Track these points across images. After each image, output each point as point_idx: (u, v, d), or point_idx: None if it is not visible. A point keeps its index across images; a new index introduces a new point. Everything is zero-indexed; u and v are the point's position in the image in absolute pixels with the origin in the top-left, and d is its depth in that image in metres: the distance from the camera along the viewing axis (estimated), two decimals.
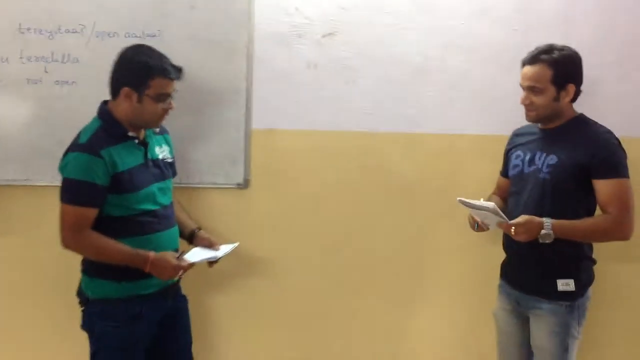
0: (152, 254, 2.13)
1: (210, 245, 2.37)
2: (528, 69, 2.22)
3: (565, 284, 2.24)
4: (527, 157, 2.31)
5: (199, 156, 2.65)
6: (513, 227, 2.12)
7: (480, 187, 2.54)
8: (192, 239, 2.41)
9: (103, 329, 2.17)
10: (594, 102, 2.49)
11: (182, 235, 2.37)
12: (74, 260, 2.60)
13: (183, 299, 2.40)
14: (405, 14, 2.63)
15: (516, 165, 2.35)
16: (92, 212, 2.10)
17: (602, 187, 2.17)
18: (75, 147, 2.11)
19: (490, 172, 2.58)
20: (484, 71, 2.66)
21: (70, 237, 2.11)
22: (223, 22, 2.59)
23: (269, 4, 2.60)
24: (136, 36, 2.56)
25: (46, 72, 2.56)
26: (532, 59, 2.21)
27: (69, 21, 2.53)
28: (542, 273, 2.27)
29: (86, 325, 2.23)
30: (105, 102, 2.21)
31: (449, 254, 2.78)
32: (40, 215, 2.67)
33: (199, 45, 2.57)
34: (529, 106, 2.24)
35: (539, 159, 2.27)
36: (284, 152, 2.71)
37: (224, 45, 2.60)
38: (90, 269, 2.21)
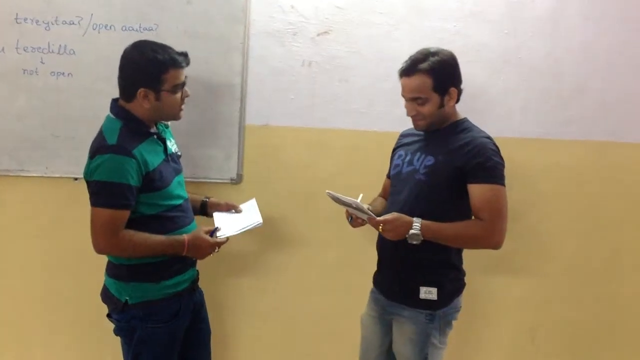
0: (186, 236, 2.14)
1: (228, 208, 2.40)
2: (407, 80, 2.14)
3: (427, 292, 2.18)
4: (407, 158, 2.27)
5: (192, 150, 2.65)
6: (381, 224, 2.07)
7: None
8: (205, 209, 2.42)
9: (147, 331, 2.16)
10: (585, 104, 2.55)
11: (193, 211, 2.34)
12: (70, 252, 2.65)
13: (201, 292, 2.42)
14: (399, 15, 2.67)
15: (397, 165, 2.31)
16: (126, 214, 2.06)
17: (475, 191, 2.09)
18: (105, 148, 2.03)
19: None
20: (474, 73, 2.69)
21: (105, 242, 2.06)
22: (219, 18, 2.60)
23: (265, 1, 2.62)
24: (133, 29, 2.56)
25: (42, 62, 2.56)
26: (409, 70, 2.13)
27: (66, 12, 2.53)
28: (405, 279, 2.23)
29: (124, 330, 2.20)
30: (115, 100, 2.16)
31: None
32: (33, 206, 2.68)
33: (195, 40, 2.58)
34: (416, 116, 2.18)
35: (417, 160, 2.22)
36: (278, 148, 2.73)
37: (220, 41, 2.61)
38: (125, 273, 2.16)
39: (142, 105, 2.11)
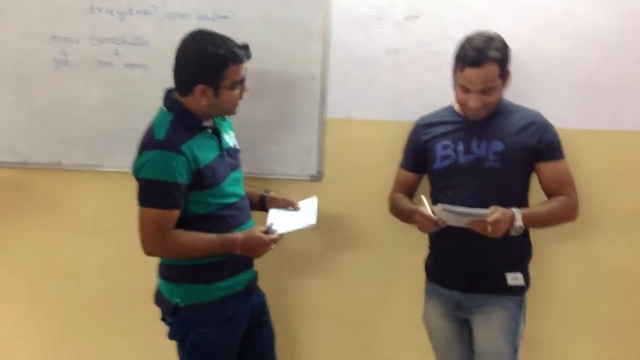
0: (239, 234, 2.04)
1: (286, 204, 2.28)
2: (476, 71, 2.04)
3: (514, 278, 2.16)
4: (461, 147, 2.17)
5: (270, 145, 2.54)
6: (490, 225, 1.99)
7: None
8: (263, 204, 2.31)
9: (198, 336, 2.07)
10: None
11: (252, 206, 2.25)
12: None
13: (262, 294, 2.30)
14: None
15: (446, 157, 2.20)
16: (176, 214, 1.97)
17: (552, 168, 2.15)
18: (152, 144, 1.95)
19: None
20: (584, 58, 2.41)
21: (154, 243, 1.99)
22: (298, 3, 2.45)
23: None
24: (208, 17, 2.45)
25: (117, 54, 2.50)
26: (479, 60, 2.03)
27: (140, 2, 2.46)
28: (489, 268, 2.17)
29: (177, 334, 2.12)
30: (169, 91, 2.08)
31: None
32: (110, 201, 2.65)
33: (272, 27, 2.45)
34: (480, 107, 2.09)
35: (478, 147, 2.15)
36: (361, 143, 2.56)
37: (299, 27, 2.46)
38: (175, 274, 2.08)
39: (198, 101, 2.00)
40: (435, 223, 2.06)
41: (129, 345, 2.77)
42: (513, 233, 2.05)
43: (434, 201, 2.19)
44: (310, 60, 2.48)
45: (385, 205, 2.55)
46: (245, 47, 2.03)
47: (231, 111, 2.11)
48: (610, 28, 2.42)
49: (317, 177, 2.56)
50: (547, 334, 2.62)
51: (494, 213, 2.00)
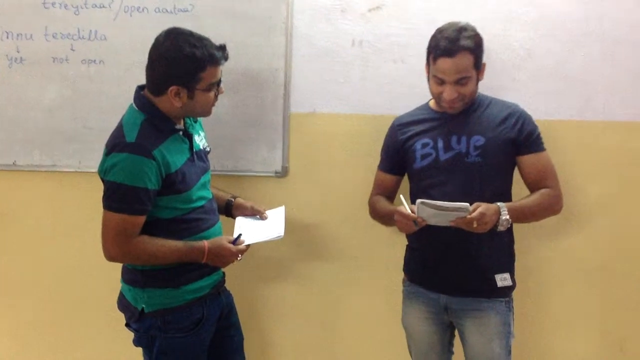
0: (206, 243, 1.98)
1: (253, 213, 2.21)
2: (450, 61, 1.99)
3: (503, 279, 2.12)
4: (440, 144, 2.12)
5: (233, 141, 2.48)
6: (475, 221, 1.93)
7: None
8: (229, 210, 2.24)
9: (167, 341, 2.00)
10: None
11: (219, 210, 2.19)
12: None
13: (230, 295, 2.24)
14: None
15: (427, 155, 2.14)
16: (141, 220, 1.90)
17: (532, 161, 2.11)
18: (122, 146, 1.86)
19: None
20: (550, 48, 2.39)
21: (117, 249, 1.91)
22: None
23: None
24: (167, 11, 2.40)
25: (72, 50, 2.42)
26: (452, 50, 1.98)
27: None
28: (479, 270, 2.11)
29: (143, 340, 2.04)
30: (140, 88, 1.99)
31: None
32: (67, 202, 2.56)
33: (234, 21, 2.39)
34: (456, 99, 2.04)
35: (458, 142, 2.11)
36: (326, 137, 2.51)
37: (261, 20, 2.40)
38: (140, 279, 2.00)
39: (171, 102, 1.91)
40: (415, 221, 1.99)
41: (90, 353, 2.68)
42: (500, 228, 1.99)
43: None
44: (273, 54, 2.42)
45: (352, 201, 2.52)
46: (222, 48, 1.96)
47: (205, 113, 2.04)
48: (575, 17, 2.40)
49: (282, 173, 2.51)
50: (533, 328, 2.60)
51: (478, 207, 1.95)
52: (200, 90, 1.92)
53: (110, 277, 2.31)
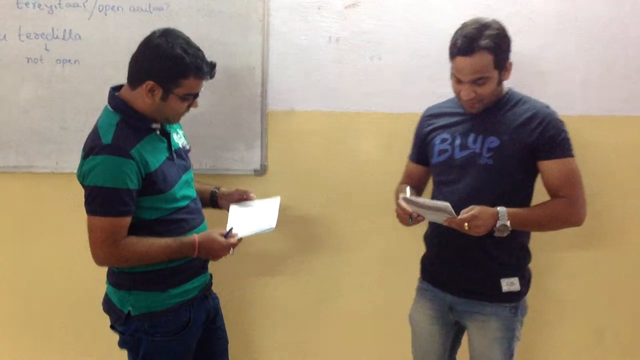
0: (196, 237, 1.95)
1: (240, 196, 2.19)
2: (466, 60, 1.92)
3: (509, 284, 2.04)
4: (458, 142, 2.06)
5: (211, 140, 2.46)
6: (466, 222, 1.88)
7: None
8: (214, 201, 2.22)
9: (153, 344, 1.98)
10: None
11: (203, 204, 2.16)
12: (82, 253, 2.48)
13: (216, 298, 2.22)
14: None
15: (443, 151, 2.09)
16: (127, 221, 1.87)
17: (552, 167, 1.98)
18: (99, 148, 1.83)
19: None
20: (525, 44, 2.38)
21: (106, 253, 1.87)
22: None
23: None
24: (142, 10, 2.37)
25: (47, 50, 2.39)
26: (468, 49, 1.91)
27: None
28: (483, 274, 2.05)
29: (128, 343, 2.01)
30: (114, 89, 1.96)
31: None
32: (44, 204, 2.53)
33: (210, 19, 2.37)
34: (474, 99, 1.98)
35: (474, 142, 2.03)
36: (304, 135, 2.51)
37: (237, 19, 2.39)
38: (127, 282, 1.97)
39: (144, 97, 1.88)
40: (410, 216, 1.97)
41: (71, 354, 2.66)
42: (497, 233, 1.92)
43: (433, 197, 2.11)
44: (250, 52, 2.41)
45: (331, 198, 2.52)
46: (212, 66, 1.95)
47: (173, 120, 2.00)
48: (549, 12, 2.41)
49: (261, 171, 2.50)
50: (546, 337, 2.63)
51: (470, 210, 1.90)
52: (176, 95, 1.90)
53: (90, 278, 2.30)
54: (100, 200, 1.83)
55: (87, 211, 1.87)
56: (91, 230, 1.87)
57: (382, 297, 2.61)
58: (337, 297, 2.64)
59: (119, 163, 1.81)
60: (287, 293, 2.64)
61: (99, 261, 1.90)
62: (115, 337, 2.05)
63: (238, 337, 2.62)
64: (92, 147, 1.85)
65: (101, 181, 1.82)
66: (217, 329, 2.19)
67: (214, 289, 2.21)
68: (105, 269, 2.04)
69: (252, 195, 2.21)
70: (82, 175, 1.88)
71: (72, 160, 2.39)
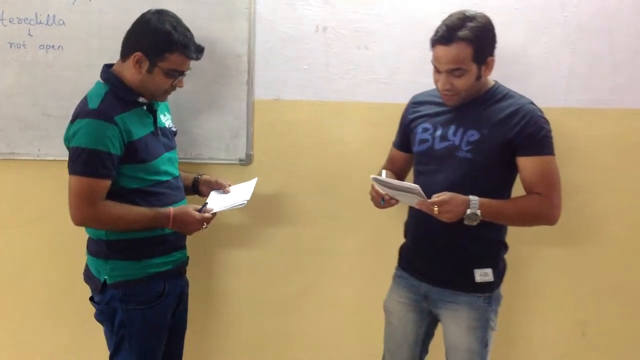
0: (172, 209, 2.02)
1: (218, 186, 2.26)
2: (444, 49, 1.91)
3: (483, 274, 2.05)
4: (438, 132, 2.06)
5: (196, 129, 2.45)
6: (436, 206, 1.90)
7: None
8: (196, 187, 2.29)
9: (127, 313, 2.03)
10: None
11: (185, 190, 2.22)
12: (64, 240, 2.47)
13: (187, 282, 2.26)
14: None
15: (424, 140, 2.09)
16: (106, 184, 1.94)
17: (528, 164, 1.97)
18: (85, 113, 1.93)
19: None
20: (511, 36, 2.38)
21: (84, 212, 1.94)
22: None
23: None
24: None
25: (30, 35, 2.36)
26: (447, 38, 1.90)
27: None
28: (458, 263, 2.06)
29: (104, 313, 2.08)
30: (108, 66, 2.06)
31: None
32: (26, 192, 2.51)
33: (195, 5, 2.34)
34: (449, 90, 1.97)
35: (454, 134, 2.03)
36: (290, 124, 2.50)
37: (223, 5, 2.37)
38: (103, 250, 2.04)
39: (132, 69, 1.98)
40: (383, 198, 1.99)
41: (52, 343, 2.64)
42: (467, 221, 1.91)
43: None
44: (236, 40, 2.39)
45: (317, 188, 2.51)
46: (200, 50, 2.05)
47: (159, 97, 2.07)
48: (535, 4, 2.41)
49: (247, 161, 2.49)
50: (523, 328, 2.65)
51: (442, 195, 1.91)
52: (161, 69, 1.98)
53: (71, 267, 2.30)
54: (81, 161, 1.91)
55: (69, 171, 1.95)
56: (71, 189, 1.94)
57: (365, 287, 2.61)
58: (321, 287, 2.64)
59: (102, 126, 1.90)
60: (270, 283, 2.63)
61: (76, 221, 1.96)
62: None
63: (219, 328, 2.62)
64: (79, 112, 1.95)
65: (84, 142, 1.90)
66: (181, 311, 2.24)
67: (191, 276, 2.24)
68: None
69: (227, 189, 2.26)
70: (68, 138, 1.96)
71: (55, 147, 2.40)
